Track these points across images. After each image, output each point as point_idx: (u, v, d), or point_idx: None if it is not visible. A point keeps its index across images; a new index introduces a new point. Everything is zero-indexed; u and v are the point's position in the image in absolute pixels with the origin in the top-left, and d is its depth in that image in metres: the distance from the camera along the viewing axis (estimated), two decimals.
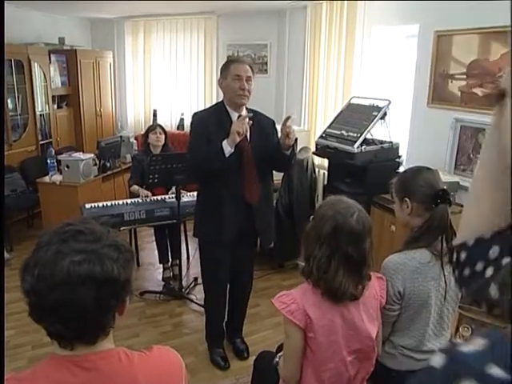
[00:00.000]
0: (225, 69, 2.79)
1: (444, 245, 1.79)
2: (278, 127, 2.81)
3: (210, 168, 2.69)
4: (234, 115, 2.78)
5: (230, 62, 2.85)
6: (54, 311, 0.97)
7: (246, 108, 2.86)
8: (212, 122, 2.76)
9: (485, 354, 0.41)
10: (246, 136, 2.74)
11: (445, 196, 1.83)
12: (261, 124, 2.83)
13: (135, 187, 4.18)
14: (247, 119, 2.65)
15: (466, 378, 0.39)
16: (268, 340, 3.31)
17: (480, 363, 0.40)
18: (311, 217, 1.71)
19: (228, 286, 3.14)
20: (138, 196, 4.14)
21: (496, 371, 0.39)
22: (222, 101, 2.86)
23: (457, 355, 0.43)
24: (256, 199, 2.83)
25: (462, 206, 3.77)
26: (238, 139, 2.62)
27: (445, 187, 1.89)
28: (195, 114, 2.94)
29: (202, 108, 2.50)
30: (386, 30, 4.68)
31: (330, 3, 5.11)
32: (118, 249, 1.03)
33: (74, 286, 0.95)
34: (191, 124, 2.87)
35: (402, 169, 4.13)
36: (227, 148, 2.63)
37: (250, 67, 2.78)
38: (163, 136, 4.31)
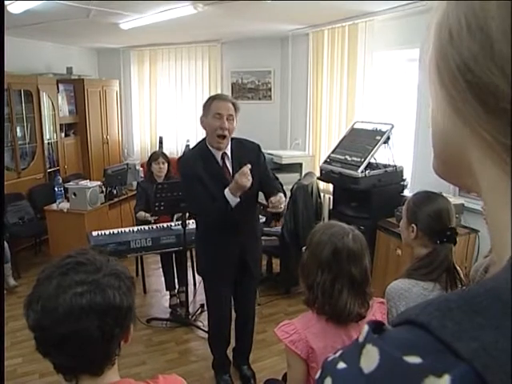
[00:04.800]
0: (206, 106, 2.66)
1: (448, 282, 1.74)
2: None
3: (219, 219, 2.64)
4: (218, 154, 2.70)
5: (212, 98, 2.69)
6: (59, 344, 0.98)
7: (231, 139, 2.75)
8: (199, 164, 2.67)
9: None
10: (229, 170, 2.72)
11: (452, 236, 1.76)
12: (243, 153, 2.74)
13: (141, 213, 4.20)
14: (248, 170, 2.52)
15: None
16: (275, 366, 3.28)
17: None
18: (303, 248, 1.69)
19: (233, 315, 3.12)
20: (145, 222, 4.16)
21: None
22: (205, 140, 2.76)
23: None
24: (242, 232, 2.79)
25: (466, 227, 3.74)
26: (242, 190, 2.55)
27: (453, 225, 1.80)
28: (180, 158, 2.91)
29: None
30: (387, 54, 4.75)
31: (332, 30, 5.21)
32: (118, 277, 1.05)
33: (78, 318, 0.97)
34: (179, 169, 2.80)
35: (406, 192, 4.14)
36: (233, 200, 2.55)
37: (233, 104, 2.66)
38: (166, 165, 4.33)
